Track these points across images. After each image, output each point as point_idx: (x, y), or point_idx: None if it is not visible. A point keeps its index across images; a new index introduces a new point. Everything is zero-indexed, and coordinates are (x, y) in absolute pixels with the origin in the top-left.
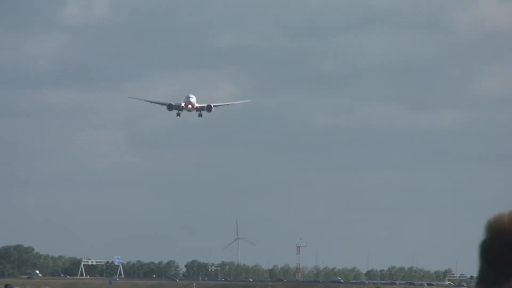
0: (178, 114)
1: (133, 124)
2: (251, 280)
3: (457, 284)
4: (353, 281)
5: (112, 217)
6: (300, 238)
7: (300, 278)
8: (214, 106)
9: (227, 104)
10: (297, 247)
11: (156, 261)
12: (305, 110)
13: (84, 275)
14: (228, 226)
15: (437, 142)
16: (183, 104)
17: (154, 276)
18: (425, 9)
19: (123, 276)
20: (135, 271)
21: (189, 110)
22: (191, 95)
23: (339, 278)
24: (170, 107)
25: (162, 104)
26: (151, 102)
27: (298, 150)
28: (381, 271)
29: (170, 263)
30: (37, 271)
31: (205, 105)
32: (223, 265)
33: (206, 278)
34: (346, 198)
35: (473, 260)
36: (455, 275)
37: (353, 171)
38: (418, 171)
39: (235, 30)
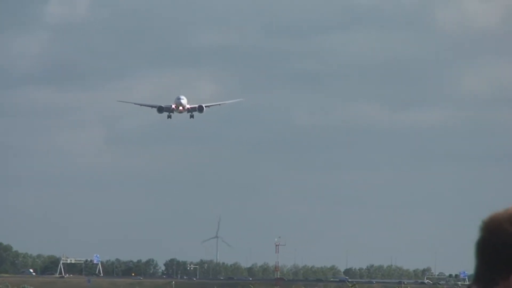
0: (169, 116)
1: (114, 124)
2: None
3: (435, 282)
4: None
5: (91, 216)
6: (279, 237)
7: (279, 275)
8: (205, 106)
9: (219, 104)
10: (276, 245)
11: (135, 260)
12: (287, 109)
13: (63, 274)
14: (207, 225)
15: (420, 141)
16: (173, 106)
17: (133, 274)
18: (409, 9)
19: (101, 274)
20: (114, 269)
21: (180, 111)
22: (182, 96)
23: (346, 277)
24: (160, 109)
25: (152, 106)
26: (141, 105)
27: (279, 149)
28: (359, 269)
29: (149, 262)
30: (31, 270)
31: (196, 105)
32: (201, 263)
33: (185, 277)
34: (325, 197)
35: (452, 259)
36: (434, 274)
37: (332, 170)
38: (398, 170)
39: (218, 30)
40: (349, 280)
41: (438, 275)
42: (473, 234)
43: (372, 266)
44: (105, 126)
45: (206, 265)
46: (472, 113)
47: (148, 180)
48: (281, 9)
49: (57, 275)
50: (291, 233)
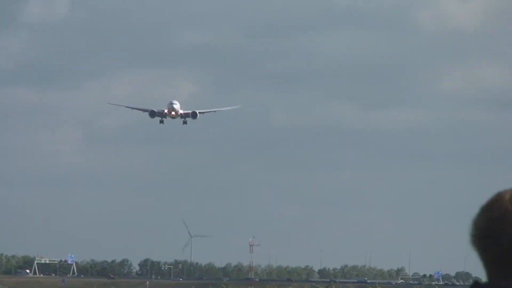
0: (161, 121)
1: (92, 124)
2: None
3: (410, 282)
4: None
5: (65, 215)
6: (253, 237)
7: (253, 276)
8: (199, 112)
9: (214, 111)
10: (250, 245)
11: (110, 260)
12: (264, 109)
13: (38, 274)
14: (182, 225)
15: (396, 142)
16: (166, 111)
17: (110, 275)
18: (387, 9)
19: (76, 274)
20: (89, 269)
21: (173, 117)
22: (175, 101)
23: (365, 278)
24: (152, 114)
25: (144, 110)
26: (132, 108)
27: (253, 149)
28: (334, 269)
29: (123, 262)
30: (28, 270)
31: (190, 111)
32: (176, 263)
33: (159, 277)
34: (299, 197)
35: (426, 259)
36: (408, 274)
37: (307, 170)
38: (373, 171)
39: (195, 30)
40: (368, 281)
41: (412, 275)
42: (448, 234)
43: (346, 266)
44: (83, 126)
45: (180, 265)
46: (449, 114)
47: (123, 180)
48: (258, 9)
49: (31, 275)
50: (266, 233)
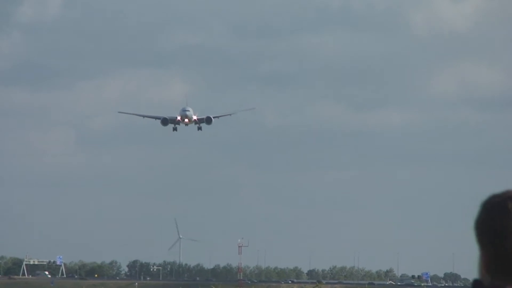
0: (175, 129)
1: (81, 124)
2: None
3: (398, 283)
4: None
5: (54, 217)
6: (242, 238)
7: (241, 277)
8: (214, 117)
9: (230, 114)
10: (239, 246)
11: (99, 261)
12: (255, 110)
13: (26, 275)
14: (171, 225)
15: (386, 143)
16: (178, 118)
17: (96, 276)
18: (379, 10)
19: (64, 276)
20: (77, 270)
21: (186, 124)
22: (188, 108)
23: (412, 281)
24: (164, 121)
25: (156, 118)
26: (144, 116)
27: (244, 150)
28: (323, 270)
29: (112, 263)
30: (46, 272)
31: (204, 117)
32: (165, 264)
33: (148, 278)
34: (288, 198)
35: (415, 260)
36: (397, 275)
37: (296, 171)
38: (363, 172)
39: (188, 30)
40: (415, 284)
41: (401, 276)
42: (436, 235)
43: (335, 267)
44: (74, 127)
45: (169, 266)
46: (440, 115)
47: (112, 182)
48: (250, 10)
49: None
50: (255, 234)
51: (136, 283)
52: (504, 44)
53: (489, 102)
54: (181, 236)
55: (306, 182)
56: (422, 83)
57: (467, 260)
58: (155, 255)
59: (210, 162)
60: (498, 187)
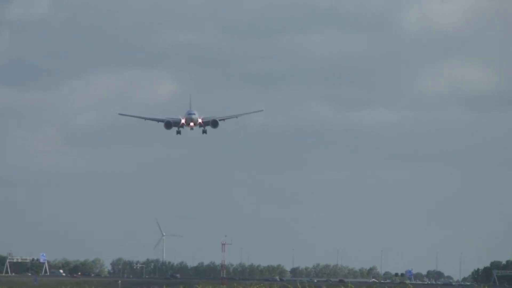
0: (178, 132)
1: (68, 123)
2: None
3: (381, 281)
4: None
5: (38, 215)
6: (225, 236)
7: (224, 275)
8: (219, 120)
9: (236, 117)
10: (222, 244)
11: (82, 259)
12: (241, 108)
13: (9, 273)
14: (154, 224)
15: (372, 142)
16: (183, 121)
17: (79, 273)
18: (368, 10)
19: (48, 273)
20: (61, 268)
21: (191, 127)
22: (193, 111)
23: (428, 280)
24: (168, 125)
25: (159, 121)
26: (146, 119)
27: (230, 149)
28: (306, 268)
29: (95, 261)
30: (61, 271)
31: (210, 120)
32: (148, 262)
33: (131, 276)
34: (271, 196)
35: (398, 258)
36: (380, 273)
37: (279, 170)
38: (346, 171)
39: (177, 30)
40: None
41: (384, 274)
42: (419, 233)
43: (318, 265)
44: (60, 125)
45: (152, 264)
46: (428, 114)
47: (96, 181)
48: (241, 10)
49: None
50: (238, 232)
51: (119, 281)
52: (494, 43)
53: (479, 100)
54: (164, 234)
55: (290, 181)
56: (411, 82)
57: (450, 258)
58: (139, 253)
59: (195, 161)
60: (483, 186)
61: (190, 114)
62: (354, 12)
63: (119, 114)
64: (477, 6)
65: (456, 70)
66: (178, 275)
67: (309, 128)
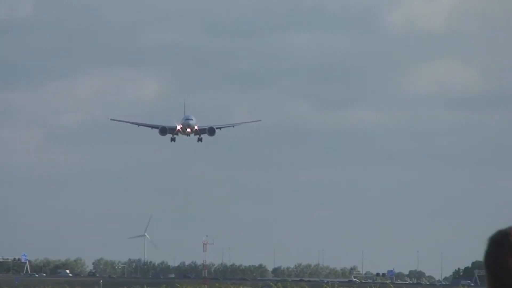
0: (173, 139)
1: (51, 123)
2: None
3: (363, 281)
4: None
5: (19, 214)
6: (207, 235)
7: (206, 275)
8: (217, 128)
9: (233, 126)
10: (203, 244)
11: (63, 259)
12: (226, 109)
13: None
14: (137, 224)
15: (358, 141)
16: (179, 127)
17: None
18: (353, 10)
19: (29, 273)
20: (42, 268)
21: (187, 134)
22: (190, 116)
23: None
24: (163, 131)
25: (153, 127)
26: (138, 124)
27: (211, 148)
28: (287, 268)
29: (77, 261)
30: (67, 271)
31: (207, 127)
32: (130, 262)
33: (113, 276)
34: (253, 195)
35: (379, 257)
36: (361, 273)
37: (261, 169)
38: (328, 170)
39: (161, 30)
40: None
41: (365, 274)
42: (400, 233)
43: (300, 265)
44: (43, 125)
45: (134, 264)
46: (412, 114)
47: (78, 180)
48: (224, 9)
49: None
50: (219, 232)
51: (101, 281)
52: (478, 43)
53: (464, 101)
54: (146, 235)
55: (270, 180)
56: (395, 82)
57: (432, 257)
58: (120, 253)
59: (176, 160)
60: (465, 186)
61: (188, 119)
62: (338, 12)
63: (111, 119)
64: (462, 5)
65: (441, 70)
66: (173, 275)
67: (292, 128)
